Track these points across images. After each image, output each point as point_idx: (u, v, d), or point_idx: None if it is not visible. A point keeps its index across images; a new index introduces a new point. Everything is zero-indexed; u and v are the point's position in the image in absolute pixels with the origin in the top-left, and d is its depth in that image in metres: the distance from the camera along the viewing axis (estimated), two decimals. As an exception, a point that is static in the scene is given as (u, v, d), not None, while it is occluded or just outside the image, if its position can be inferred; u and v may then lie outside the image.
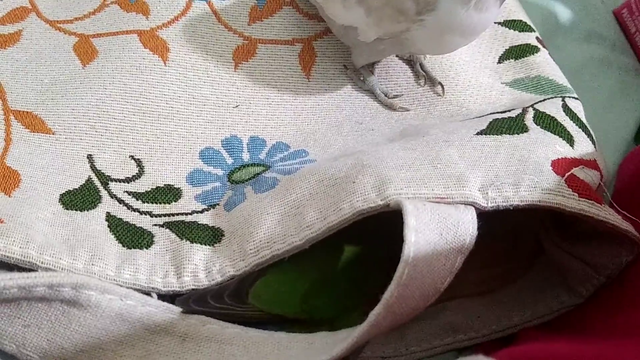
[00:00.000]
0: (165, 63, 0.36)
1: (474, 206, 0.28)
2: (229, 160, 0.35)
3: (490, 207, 0.28)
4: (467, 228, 0.27)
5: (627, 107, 0.41)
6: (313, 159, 0.34)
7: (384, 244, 0.30)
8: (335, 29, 0.37)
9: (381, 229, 0.29)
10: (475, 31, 0.33)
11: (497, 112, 0.35)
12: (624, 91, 0.41)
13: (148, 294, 0.29)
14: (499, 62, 0.39)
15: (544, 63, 0.39)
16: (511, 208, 0.29)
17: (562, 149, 0.32)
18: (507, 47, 0.39)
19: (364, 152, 0.32)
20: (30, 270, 0.29)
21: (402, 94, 0.38)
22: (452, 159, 0.30)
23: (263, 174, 0.33)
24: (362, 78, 0.37)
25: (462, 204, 0.28)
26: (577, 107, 0.36)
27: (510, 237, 0.35)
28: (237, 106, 0.36)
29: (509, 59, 0.39)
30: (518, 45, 0.39)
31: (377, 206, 0.28)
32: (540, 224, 0.34)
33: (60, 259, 0.29)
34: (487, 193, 0.28)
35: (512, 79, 0.38)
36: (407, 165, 0.29)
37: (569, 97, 0.36)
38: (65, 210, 0.31)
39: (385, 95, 0.37)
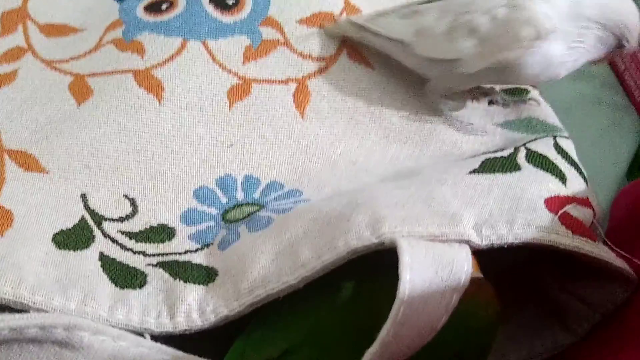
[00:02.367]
0: (160, 102, 0.37)
1: (468, 244, 0.28)
2: (223, 200, 0.35)
3: (485, 245, 0.28)
4: (462, 266, 0.27)
5: (617, 144, 0.41)
6: (307, 199, 0.34)
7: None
8: (417, 65, 0.37)
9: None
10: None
11: (489, 152, 0.35)
12: (615, 128, 0.42)
13: (141, 334, 0.29)
14: (490, 103, 0.39)
15: (534, 104, 0.39)
16: (505, 246, 0.29)
17: (554, 187, 0.32)
18: (498, 90, 0.40)
19: (358, 191, 0.32)
20: (21, 311, 0.28)
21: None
22: (445, 197, 0.30)
23: (257, 213, 0.33)
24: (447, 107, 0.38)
25: (456, 242, 0.28)
26: (568, 145, 0.36)
27: (505, 275, 0.35)
28: (231, 145, 0.36)
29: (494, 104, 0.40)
30: (509, 88, 0.40)
31: (371, 244, 0.28)
32: (534, 261, 0.34)
33: (53, 299, 0.29)
34: (481, 231, 0.29)
35: (503, 120, 0.39)
36: (401, 204, 0.30)
37: (560, 136, 0.37)
38: (58, 250, 0.31)
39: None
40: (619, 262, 0.29)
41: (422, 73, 0.38)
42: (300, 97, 0.38)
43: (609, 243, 0.30)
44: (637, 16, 0.34)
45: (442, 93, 0.38)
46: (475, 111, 0.39)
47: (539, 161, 0.33)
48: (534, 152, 0.34)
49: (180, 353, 0.29)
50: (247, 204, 0.34)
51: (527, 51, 0.34)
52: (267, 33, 0.39)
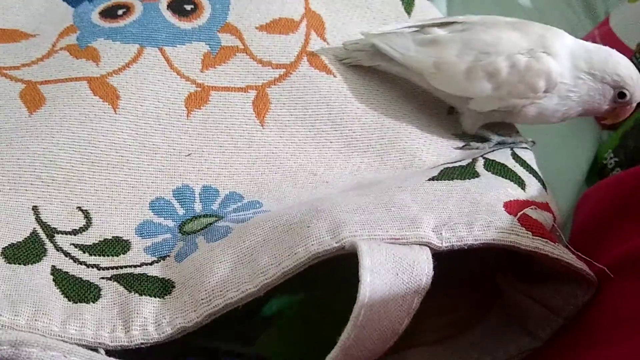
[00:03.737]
0: (115, 111, 0.36)
1: (428, 246, 0.28)
2: (181, 211, 0.34)
3: (445, 247, 0.28)
4: (422, 268, 0.27)
5: (578, 148, 0.42)
6: (267, 210, 0.34)
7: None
8: (434, 91, 0.38)
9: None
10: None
11: (448, 163, 0.35)
12: (575, 133, 0.42)
13: (95, 349, 0.28)
14: (449, 113, 0.40)
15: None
16: (466, 247, 0.29)
17: (513, 192, 0.32)
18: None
19: (318, 199, 0.31)
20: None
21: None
22: (405, 202, 0.30)
23: (215, 224, 0.33)
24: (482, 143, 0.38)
25: (416, 244, 0.28)
26: (526, 154, 0.37)
27: (468, 282, 0.35)
28: (189, 155, 0.36)
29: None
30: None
31: (332, 249, 0.28)
32: (497, 267, 0.34)
33: (1, 315, 0.27)
34: (441, 233, 0.28)
35: (461, 131, 0.39)
36: (361, 209, 0.29)
37: (518, 147, 0.37)
38: (8, 264, 0.30)
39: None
40: (579, 264, 0.29)
41: (439, 97, 0.39)
42: (260, 105, 0.37)
43: (570, 247, 0.30)
44: (629, 66, 0.35)
45: (474, 128, 0.38)
46: (434, 120, 0.39)
47: (497, 169, 0.34)
48: (492, 160, 0.35)
49: (134, 366, 0.28)
50: (205, 215, 0.34)
51: (535, 100, 0.35)
52: (226, 40, 0.39)
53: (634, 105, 0.36)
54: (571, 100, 0.36)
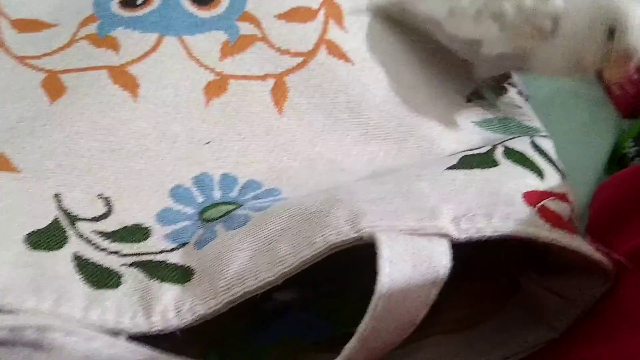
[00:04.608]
0: (135, 99, 0.36)
1: (447, 238, 0.28)
2: (200, 199, 0.34)
3: (464, 239, 0.28)
4: (440, 259, 0.27)
5: (596, 138, 0.41)
6: (285, 198, 0.34)
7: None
8: (450, 44, 0.38)
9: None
10: None
11: (467, 150, 0.35)
12: (593, 122, 0.42)
13: (116, 335, 0.28)
14: (468, 100, 0.39)
15: (511, 104, 0.39)
16: (484, 239, 0.29)
17: (532, 182, 0.32)
18: (475, 87, 0.40)
19: (336, 188, 0.31)
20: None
21: None
22: (423, 192, 0.30)
23: (234, 211, 0.33)
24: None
25: (435, 235, 0.28)
26: (546, 144, 0.36)
27: (486, 275, 0.35)
28: (208, 143, 0.36)
29: (477, 99, 0.40)
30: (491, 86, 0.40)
31: (350, 239, 0.28)
32: (514, 259, 0.34)
33: (25, 301, 0.28)
34: (459, 224, 0.28)
35: (481, 119, 0.39)
36: (379, 199, 0.29)
37: (538, 135, 0.37)
38: (31, 250, 0.30)
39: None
40: (597, 255, 0.29)
41: (457, 53, 0.39)
42: (278, 94, 0.37)
43: (588, 237, 0.30)
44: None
45: (485, 76, 0.38)
46: (453, 107, 0.39)
47: (517, 157, 0.34)
48: (511, 149, 0.34)
49: (155, 353, 0.28)
50: (225, 203, 0.34)
51: (542, 42, 0.35)
52: (245, 28, 0.39)
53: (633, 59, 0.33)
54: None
